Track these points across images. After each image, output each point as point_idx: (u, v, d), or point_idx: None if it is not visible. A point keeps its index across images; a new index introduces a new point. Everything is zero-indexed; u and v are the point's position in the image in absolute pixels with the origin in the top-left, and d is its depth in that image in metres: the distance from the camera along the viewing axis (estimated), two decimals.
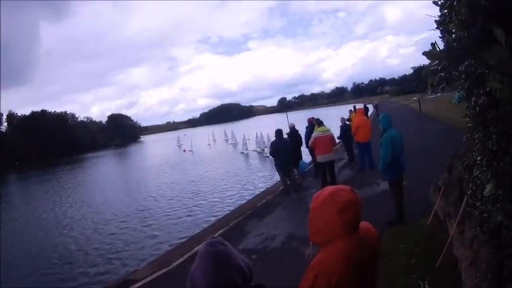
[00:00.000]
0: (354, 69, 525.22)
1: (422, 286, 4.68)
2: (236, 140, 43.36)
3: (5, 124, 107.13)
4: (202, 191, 17.86)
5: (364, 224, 2.19)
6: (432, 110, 31.33)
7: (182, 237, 10.91)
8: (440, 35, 2.48)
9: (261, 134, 28.42)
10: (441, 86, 2.44)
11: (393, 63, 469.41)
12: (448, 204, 5.88)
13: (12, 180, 50.79)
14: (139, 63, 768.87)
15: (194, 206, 14.71)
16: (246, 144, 31.33)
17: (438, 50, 1.87)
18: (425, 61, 2.18)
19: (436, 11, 2.53)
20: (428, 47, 2.08)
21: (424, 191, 7.68)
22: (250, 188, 16.46)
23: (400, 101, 66.80)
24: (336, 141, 10.98)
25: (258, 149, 28.39)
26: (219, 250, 1.62)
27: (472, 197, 3.19)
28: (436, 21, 2.33)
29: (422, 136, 17.45)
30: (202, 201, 15.35)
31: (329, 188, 2.14)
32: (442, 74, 2.19)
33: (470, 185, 3.36)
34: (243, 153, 30.51)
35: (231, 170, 22.79)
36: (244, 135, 32.67)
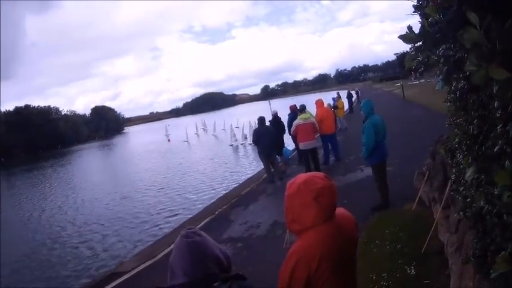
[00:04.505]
0: (338, 56, 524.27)
1: (408, 271, 4.71)
2: (215, 132, 42.00)
3: None
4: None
5: (340, 211, 2.20)
6: (416, 95, 31.47)
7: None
8: (420, 20, 2.45)
9: (243, 124, 26.67)
10: (419, 70, 2.43)
11: (378, 50, 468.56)
12: (433, 189, 5.93)
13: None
14: (124, 54, 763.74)
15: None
16: (234, 135, 27.78)
17: (414, 33, 1.84)
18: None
19: None
20: None
21: (408, 176, 7.73)
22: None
23: (383, 87, 66.91)
24: (318, 128, 10.98)
25: (248, 141, 25.11)
26: (194, 241, 1.64)
27: (456, 182, 3.18)
28: (413, 5, 2.30)
29: (405, 122, 17.59)
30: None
31: (303, 176, 2.13)
32: (420, 59, 2.17)
33: (453, 170, 3.36)
34: (232, 145, 27.01)
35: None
36: (231, 125, 30.44)
